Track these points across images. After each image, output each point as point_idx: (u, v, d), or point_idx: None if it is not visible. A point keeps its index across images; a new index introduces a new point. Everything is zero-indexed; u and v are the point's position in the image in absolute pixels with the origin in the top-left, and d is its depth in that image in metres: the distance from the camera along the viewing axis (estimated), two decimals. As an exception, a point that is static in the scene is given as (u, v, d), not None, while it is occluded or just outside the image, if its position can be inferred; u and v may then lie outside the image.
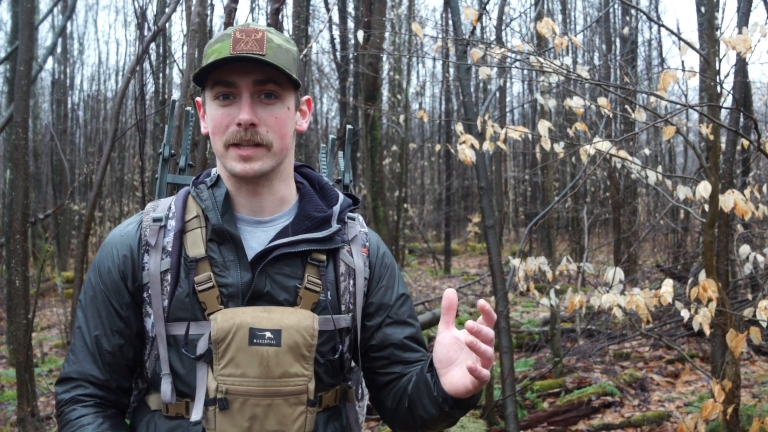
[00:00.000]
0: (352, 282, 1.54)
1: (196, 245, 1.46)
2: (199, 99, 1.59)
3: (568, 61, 3.97)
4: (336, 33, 14.66)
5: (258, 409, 1.40)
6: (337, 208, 1.55)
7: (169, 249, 1.46)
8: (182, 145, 2.04)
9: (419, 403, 1.47)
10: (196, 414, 1.40)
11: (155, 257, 1.46)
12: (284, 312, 1.43)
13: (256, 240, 1.49)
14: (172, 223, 1.49)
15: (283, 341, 1.41)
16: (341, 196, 1.60)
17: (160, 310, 1.44)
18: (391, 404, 1.57)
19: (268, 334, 1.40)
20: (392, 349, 1.58)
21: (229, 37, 1.41)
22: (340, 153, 2.06)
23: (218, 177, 1.53)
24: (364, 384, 1.70)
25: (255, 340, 1.39)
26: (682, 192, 3.89)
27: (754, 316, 3.24)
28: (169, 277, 1.44)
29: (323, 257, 1.50)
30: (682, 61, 3.43)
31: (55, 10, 13.72)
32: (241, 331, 1.39)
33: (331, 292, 1.50)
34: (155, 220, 1.49)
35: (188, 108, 2.07)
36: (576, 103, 4.06)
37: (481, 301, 1.32)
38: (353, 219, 1.61)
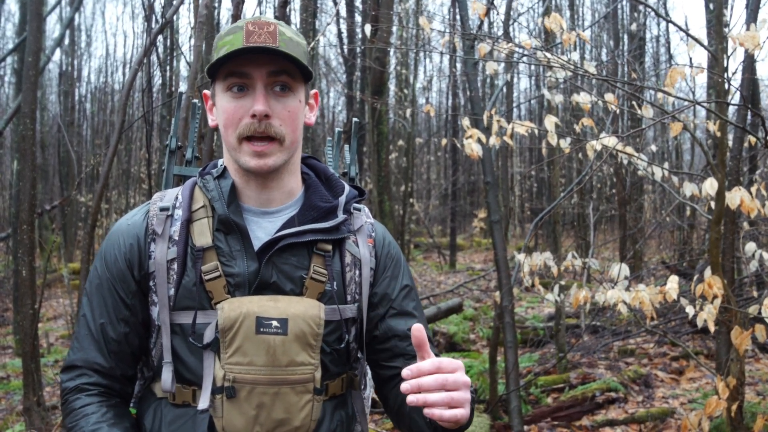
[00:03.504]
0: (358, 272, 1.54)
1: (203, 234, 1.46)
2: (206, 92, 1.59)
3: (575, 56, 3.96)
4: (343, 27, 14.63)
5: (265, 397, 1.40)
6: (342, 199, 1.56)
7: (176, 238, 1.47)
8: (189, 137, 2.05)
9: (412, 417, 1.48)
10: (203, 402, 1.40)
11: (162, 246, 1.46)
12: (291, 301, 1.44)
13: (262, 230, 1.50)
14: (179, 213, 1.50)
15: (290, 330, 1.41)
16: (347, 188, 1.60)
17: (166, 298, 1.44)
18: (393, 404, 1.57)
19: (274, 323, 1.40)
20: (395, 340, 1.56)
21: (241, 29, 1.41)
22: (346, 146, 2.07)
23: (224, 168, 1.53)
24: (369, 376, 1.70)
25: (262, 329, 1.40)
26: (689, 189, 3.87)
27: (760, 313, 3.23)
28: (175, 266, 1.45)
29: (329, 247, 1.51)
30: (690, 58, 3.41)
31: (63, 1, 13.73)
32: (248, 320, 1.40)
33: (337, 282, 1.50)
34: (162, 209, 1.49)
35: (195, 100, 2.07)
36: (583, 98, 4.05)
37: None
38: (359, 210, 1.60)
